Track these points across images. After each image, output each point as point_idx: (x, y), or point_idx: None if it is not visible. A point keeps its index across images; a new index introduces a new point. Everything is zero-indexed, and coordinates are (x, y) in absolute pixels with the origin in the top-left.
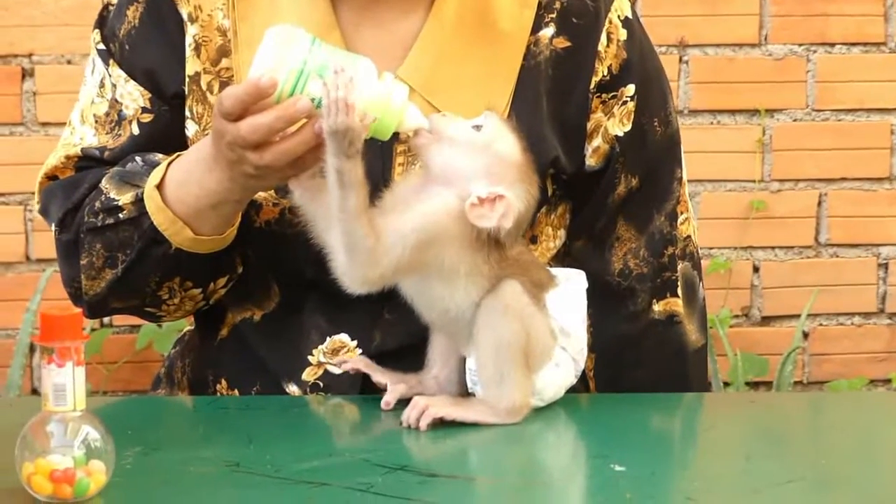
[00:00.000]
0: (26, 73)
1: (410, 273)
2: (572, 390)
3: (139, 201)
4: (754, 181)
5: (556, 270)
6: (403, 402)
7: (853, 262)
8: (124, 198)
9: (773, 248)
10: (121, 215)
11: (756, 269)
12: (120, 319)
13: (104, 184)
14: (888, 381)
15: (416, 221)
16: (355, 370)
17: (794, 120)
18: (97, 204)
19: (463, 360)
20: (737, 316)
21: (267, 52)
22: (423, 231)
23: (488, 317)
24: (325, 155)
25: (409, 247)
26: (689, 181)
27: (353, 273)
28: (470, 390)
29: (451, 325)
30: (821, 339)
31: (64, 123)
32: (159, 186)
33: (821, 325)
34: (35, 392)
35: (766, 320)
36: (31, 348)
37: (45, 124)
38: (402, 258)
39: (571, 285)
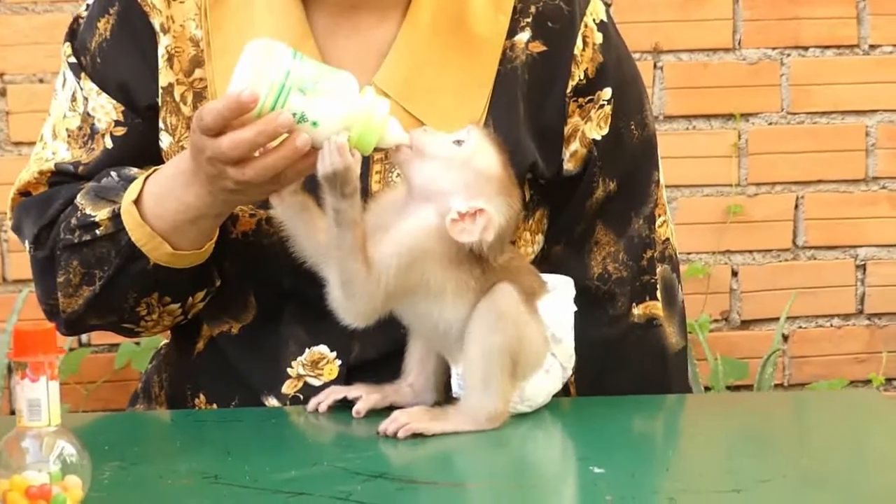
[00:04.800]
0: None
1: (401, 298)
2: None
3: (116, 217)
4: (731, 185)
5: (544, 277)
6: (381, 411)
7: (831, 264)
8: (100, 214)
9: (751, 251)
10: (98, 231)
11: (734, 274)
12: (98, 339)
13: (79, 200)
14: (868, 381)
15: (396, 247)
16: (333, 402)
17: (770, 123)
18: (73, 220)
19: (440, 368)
20: (716, 320)
21: (247, 67)
22: (403, 255)
23: (483, 321)
24: (323, 194)
25: (392, 274)
26: (665, 187)
27: (348, 307)
28: (455, 394)
29: (441, 338)
30: (800, 341)
31: (37, 141)
32: (136, 202)
33: (800, 327)
34: (14, 413)
35: (746, 324)
36: (10, 369)
37: (17, 144)
38: (388, 286)
39: (560, 291)
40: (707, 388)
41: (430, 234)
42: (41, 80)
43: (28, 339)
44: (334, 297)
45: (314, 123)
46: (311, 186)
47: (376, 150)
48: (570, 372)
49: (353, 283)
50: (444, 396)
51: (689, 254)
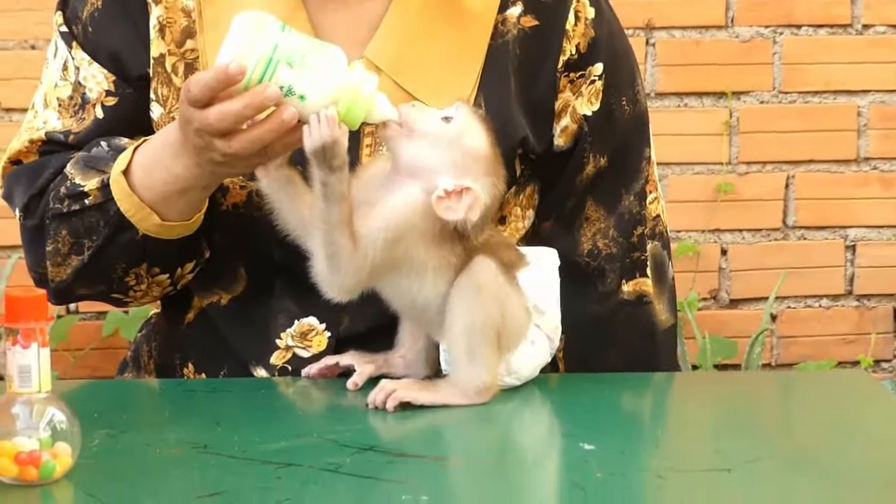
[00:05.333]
0: None
1: (384, 274)
2: (542, 370)
3: (105, 187)
4: (721, 164)
5: (527, 249)
6: (371, 382)
7: (821, 244)
8: (90, 183)
9: (740, 230)
10: (86, 201)
11: (724, 252)
12: (86, 306)
13: (69, 169)
14: (856, 362)
15: (383, 221)
16: (327, 369)
17: (761, 102)
18: (62, 190)
19: (430, 343)
20: (705, 299)
21: (235, 39)
22: (389, 230)
23: (463, 295)
24: (311, 168)
25: (378, 248)
26: (656, 164)
27: (331, 281)
28: (444, 370)
29: (419, 314)
30: (789, 321)
31: (28, 109)
32: (125, 172)
33: (789, 307)
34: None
35: (735, 303)
36: None
37: (9, 110)
38: (375, 260)
39: (543, 263)
40: (695, 367)
41: (416, 211)
42: (33, 47)
43: (20, 306)
44: (318, 270)
45: (301, 97)
46: (300, 160)
47: (364, 124)
48: (556, 343)
49: (339, 257)
50: (436, 372)
51: (678, 232)
